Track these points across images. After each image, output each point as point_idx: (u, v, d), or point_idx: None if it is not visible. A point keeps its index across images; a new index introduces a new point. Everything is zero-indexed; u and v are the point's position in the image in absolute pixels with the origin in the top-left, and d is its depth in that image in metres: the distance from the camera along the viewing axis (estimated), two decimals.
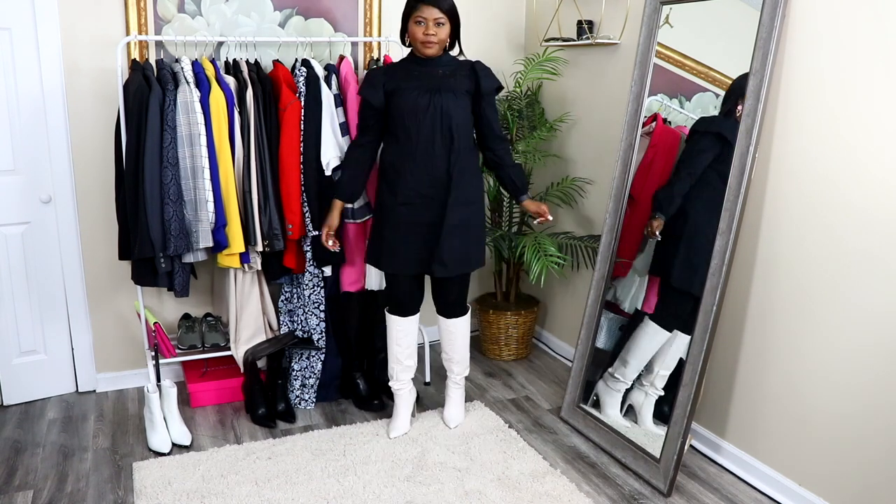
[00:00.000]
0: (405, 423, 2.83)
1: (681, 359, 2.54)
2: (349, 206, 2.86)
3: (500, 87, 2.66)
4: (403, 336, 2.77)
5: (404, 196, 2.57)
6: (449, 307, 2.80)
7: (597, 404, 2.86)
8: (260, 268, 2.89)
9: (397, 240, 2.61)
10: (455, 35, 2.59)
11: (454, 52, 2.65)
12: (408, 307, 2.76)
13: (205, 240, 2.66)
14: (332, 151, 2.80)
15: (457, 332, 2.83)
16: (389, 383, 2.85)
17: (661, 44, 2.71)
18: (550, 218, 2.73)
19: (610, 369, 2.81)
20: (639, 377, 2.75)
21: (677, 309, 2.58)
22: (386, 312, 2.80)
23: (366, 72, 2.84)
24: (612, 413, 2.74)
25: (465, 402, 3.11)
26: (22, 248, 2.97)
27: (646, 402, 2.64)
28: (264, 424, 2.90)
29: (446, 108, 2.51)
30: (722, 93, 2.50)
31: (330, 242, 2.68)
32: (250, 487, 2.45)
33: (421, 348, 3.38)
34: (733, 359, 2.57)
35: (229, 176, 2.70)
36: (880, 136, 2.03)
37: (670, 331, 2.59)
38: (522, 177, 2.76)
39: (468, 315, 2.87)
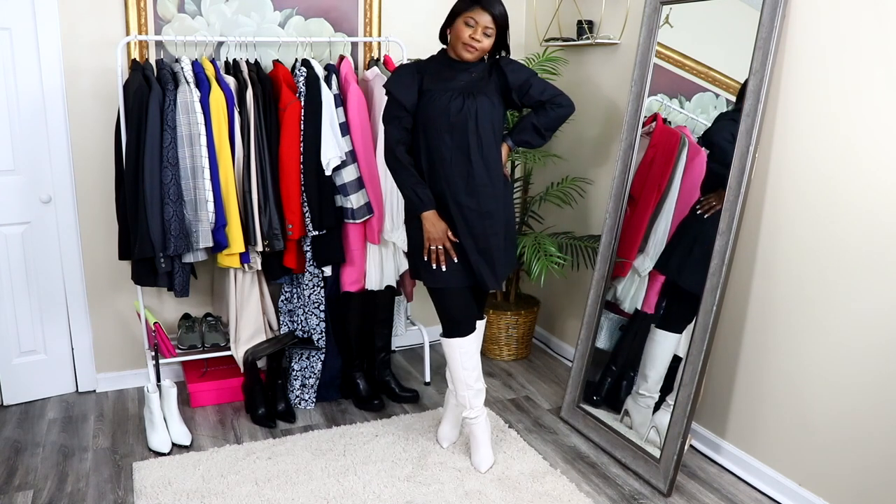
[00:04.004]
0: (490, 453, 2.61)
1: (679, 358, 2.54)
2: (349, 206, 2.85)
3: (533, 74, 2.50)
4: (468, 358, 2.54)
5: (445, 204, 2.42)
6: (481, 313, 2.67)
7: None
8: (260, 268, 2.89)
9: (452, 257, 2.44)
10: (501, 46, 2.45)
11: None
12: (466, 324, 2.52)
13: (205, 240, 2.66)
14: (332, 151, 2.79)
15: (479, 339, 2.64)
16: (463, 414, 2.60)
17: (661, 44, 2.71)
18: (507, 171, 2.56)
19: (635, 387, 2.73)
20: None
21: (685, 311, 2.51)
22: (442, 340, 2.56)
23: (397, 66, 2.68)
24: (641, 431, 2.63)
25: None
26: (22, 248, 2.97)
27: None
28: (264, 424, 2.90)
29: (480, 112, 2.38)
30: (722, 93, 2.50)
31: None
32: (250, 487, 2.45)
33: (420, 348, 3.39)
34: (733, 359, 2.57)
35: (229, 176, 2.70)
36: (880, 135, 2.03)
37: (680, 332, 2.56)
38: (540, 134, 2.51)
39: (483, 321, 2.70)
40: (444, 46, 2.49)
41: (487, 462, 2.59)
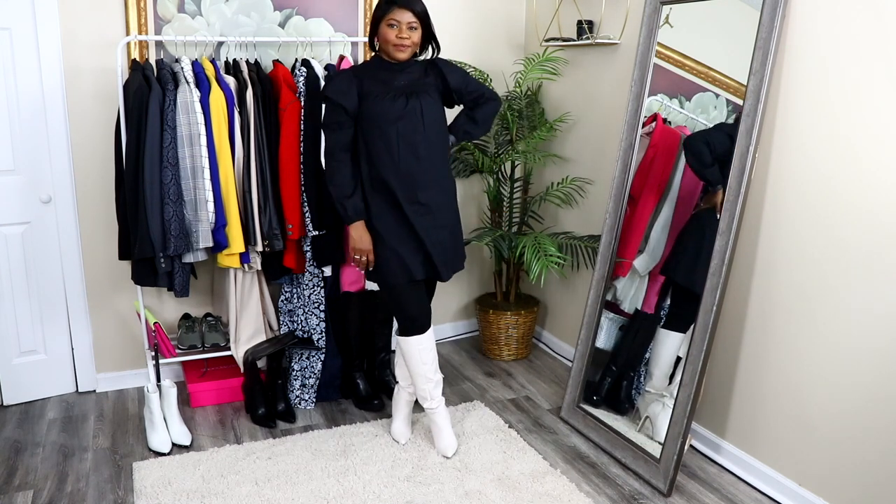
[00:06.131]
0: (454, 438, 2.68)
1: (680, 358, 2.54)
2: None
3: (466, 73, 2.63)
4: (427, 352, 2.60)
5: (391, 206, 2.48)
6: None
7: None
8: (260, 268, 2.89)
9: (400, 249, 2.49)
10: (428, 39, 2.52)
11: (424, 56, 2.59)
12: (422, 320, 2.58)
13: (205, 240, 2.66)
14: None
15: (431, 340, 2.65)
16: (424, 405, 2.67)
17: (661, 44, 2.71)
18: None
19: (642, 384, 2.74)
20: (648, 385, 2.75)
21: (692, 311, 2.49)
22: (400, 338, 2.61)
23: (330, 74, 2.80)
24: (662, 429, 2.58)
25: (465, 402, 3.12)
26: (22, 248, 2.97)
27: (662, 412, 2.56)
28: (264, 424, 2.90)
29: (425, 110, 2.46)
30: (722, 92, 2.50)
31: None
32: (250, 487, 2.45)
33: None
34: (733, 359, 2.57)
35: (229, 176, 2.70)
36: (880, 135, 2.03)
37: (685, 332, 2.55)
38: (475, 132, 2.67)
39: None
40: (375, 52, 2.54)
41: (453, 446, 2.67)
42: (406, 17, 2.41)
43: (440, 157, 2.55)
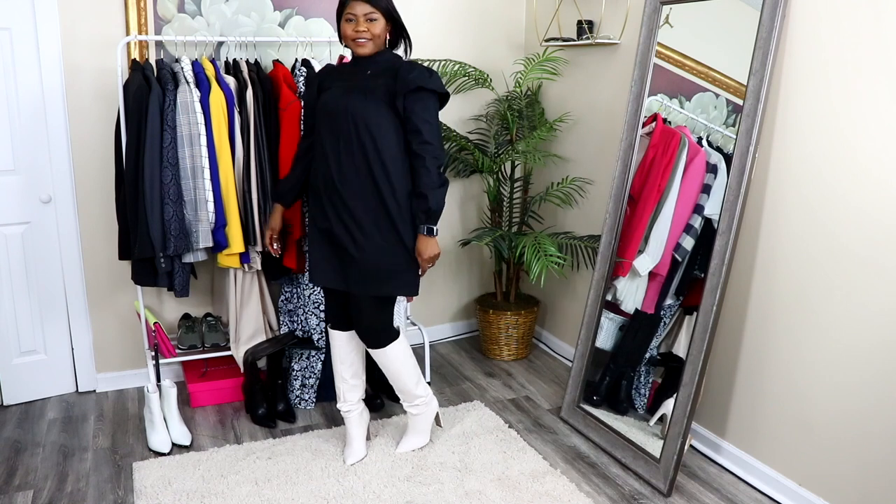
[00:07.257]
0: (361, 448, 2.64)
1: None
2: None
3: (430, 89, 2.30)
4: (342, 351, 2.58)
5: (317, 204, 2.43)
6: (361, 333, 2.51)
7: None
8: (260, 268, 2.89)
9: (314, 251, 2.48)
10: (398, 33, 2.42)
11: (400, 50, 2.47)
12: (341, 320, 2.55)
13: (205, 240, 2.66)
14: None
15: (382, 362, 2.55)
16: (337, 405, 2.66)
17: (661, 44, 2.71)
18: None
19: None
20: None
21: None
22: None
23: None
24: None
25: (465, 402, 3.12)
26: (22, 248, 2.97)
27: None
28: (264, 424, 2.90)
29: (353, 109, 2.31)
30: (722, 92, 2.50)
31: (275, 246, 2.64)
32: (250, 487, 2.45)
33: (420, 348, 3.39)
34: (733, 359, 2.57)
35: (229, 176, 2.70)
36: (880, 136, 2.03)
37: None
38: (426, 207, 2.31)
39: (391, 348, 2.50)
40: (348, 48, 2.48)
41: (355, 457, 2.61)
42: (361, 9, 2.28)
43: (366, 163, 2.32)
